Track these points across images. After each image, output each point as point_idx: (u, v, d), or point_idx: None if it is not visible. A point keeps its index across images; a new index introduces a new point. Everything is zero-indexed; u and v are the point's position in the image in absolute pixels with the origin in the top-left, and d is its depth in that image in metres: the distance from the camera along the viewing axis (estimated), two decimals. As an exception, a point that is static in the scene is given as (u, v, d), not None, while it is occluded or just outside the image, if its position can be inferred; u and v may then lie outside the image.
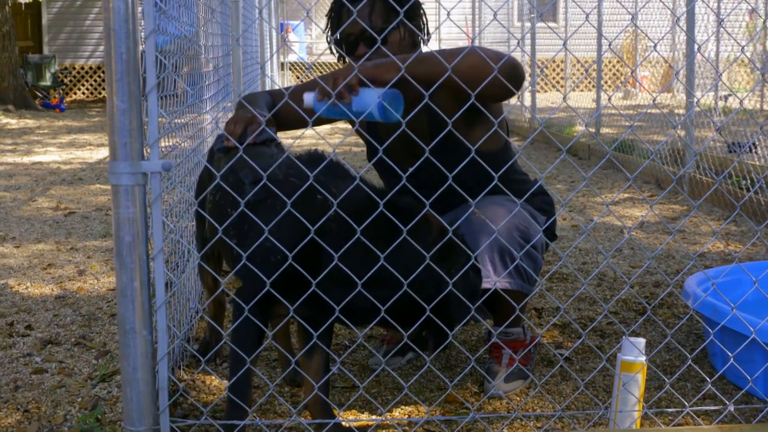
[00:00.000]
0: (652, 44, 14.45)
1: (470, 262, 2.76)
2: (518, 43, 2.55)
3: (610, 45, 2.27)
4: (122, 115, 2.28)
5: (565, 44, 2.54)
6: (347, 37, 3.34)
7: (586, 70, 2.38)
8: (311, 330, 2.81)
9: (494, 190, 3.06)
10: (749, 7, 12.78)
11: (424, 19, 3.47)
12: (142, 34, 2.35)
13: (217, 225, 2.63)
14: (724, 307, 3.32)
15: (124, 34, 2.26)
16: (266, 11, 15.46)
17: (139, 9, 2.31)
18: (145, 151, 2.33)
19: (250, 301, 2.69)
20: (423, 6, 3.45)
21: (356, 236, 2.56)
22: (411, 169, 2.77)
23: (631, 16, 2.45)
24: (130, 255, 2.34)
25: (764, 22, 12.43)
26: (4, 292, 4.93)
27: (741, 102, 2.68)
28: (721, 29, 11.76)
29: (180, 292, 3.77)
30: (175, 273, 3.79)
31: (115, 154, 2.29)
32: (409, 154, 3.41)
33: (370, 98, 2.81)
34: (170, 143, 3.53)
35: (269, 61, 14.10)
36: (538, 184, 3.68)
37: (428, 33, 3.47)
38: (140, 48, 2.32)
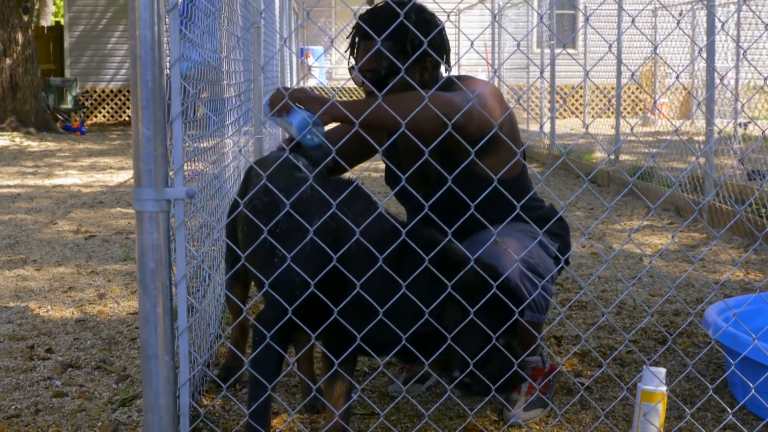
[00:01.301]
0: (672, 72, 14.44)
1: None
2: (540, 73, 2.56)
3: (633, 75, 2.26)
4: (147, 142, 2.28)
5: (586, 75, 2.55)
6: (360, 70, 3.37)
7: (609, 100, 2.39)
8: (333, 358, 2.82)
9: (509, 216, 3.06)
10: (768, 35, 12.75)
11: (446, 46, 3.44)
12: (168, 61, 2.36)
13: (239, 252, 2.65)
14: (745, 337, 3.31)
15: (150, 62, 2.27)
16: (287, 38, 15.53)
17: (165, 37, 2.33)
18: (169, 178, 2.33)
19: (271, 327, 2.70)
20: (444, 32, 3.43)
21: (378, 264, 2.57)
22: (428, 198, 2.78)
23: (653, 47, 2.46)
24: (154, 281, 2.34)
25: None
26: (25, 315, 4.95)
27: (763, 132, 2.68)
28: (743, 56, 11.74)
29: (201, 317, 3.78)
30: (195, 297, 3.80)
31: (140, 180, 2.30)
32: (422, 181, 3.45)
33: (296, 119, 3.05)
34: (193, 167, 3.55)
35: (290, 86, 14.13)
36: (552, 210, 3.67)
37: (448, 61, 3.46)
38: (165, 75, 2.33)
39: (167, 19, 2.35)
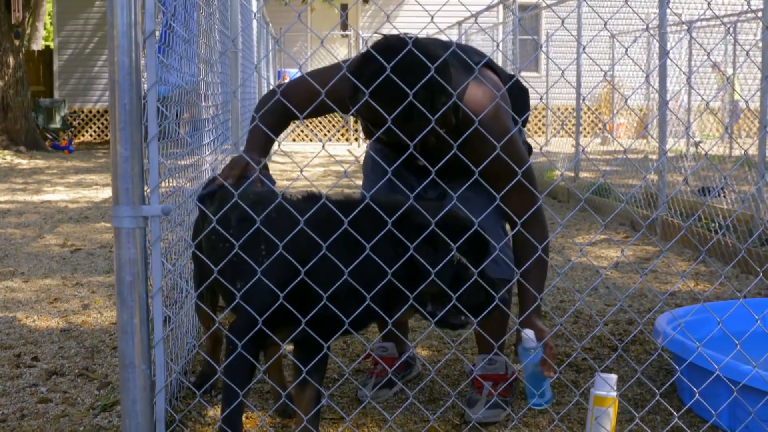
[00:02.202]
0: (629, 93, 14.53)
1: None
2: (498, 95, 2.58)
3: (584, 99, 2.30)
4: (125, 162, 2.29)
5: (545, 95, 2.58)
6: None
7: (562, 125, 2.41)
8: (302, 366, 2.83)
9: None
10: (715, 61, 12.88)
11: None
12: (145, 85, 2.37)
13: (212, 265, 2.65)
14: (692, 345, 3.34)
15: (127, 86, 2.28)
16: (264, 61, 15.54)
17: (143, 62, 2.34)
18: (146, 196, 2.34)
19: (242, 336, 2.71)
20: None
21: (342, 228, 2.58)
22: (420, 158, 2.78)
23: (603, 73, 2.49)
24: (131, 294, 2.35)
25: (732, 76, 12.54)
26: (12, 324, 4.93)
27: (705, 154, 2.72)
28: (693, 79, 11.85)
29: (178, 327, 3.77)
30: (173, 309, 3.80)
31: (118, 198, 2.31)
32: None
33: None
34: (172, 184, 3.56)
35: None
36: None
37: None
38: (142, 98, 2.34)
39: (145, 46, 2.36)
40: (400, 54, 2.83)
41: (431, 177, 2.93)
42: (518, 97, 3.57)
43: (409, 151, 2.71)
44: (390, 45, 2.93)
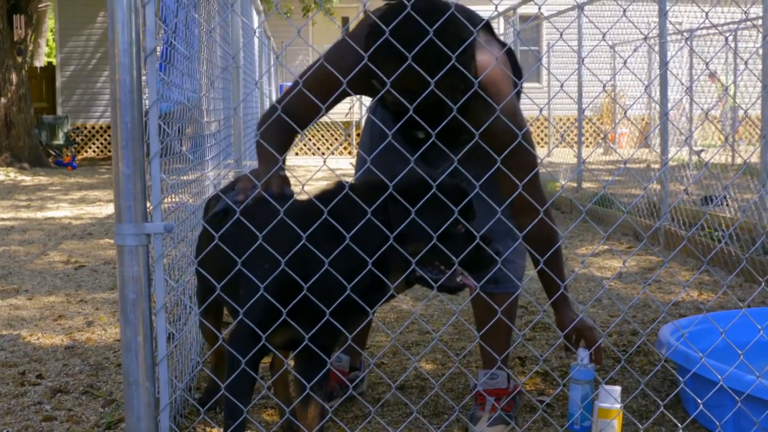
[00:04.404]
0: (629, 104, 14.53)
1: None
2: (500, 107, 2.58)
3: (583, 111, 2.29)
4: (127, 180, 2.30)
5: (547, 105, 2.58)
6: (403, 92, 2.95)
7: (562, 137, 2.42)
8: (305, 382, 2.83)
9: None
10: (715, 70, 12.89)
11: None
12: (147, 103, 2.38)
13: (215, 282, 2.65)
14: (695, 355, 3.34)
15: (129, 105, 2.29)
16: (266, 76, 15.57)
17: (144, 79, 2.35)
18: (148, 213, 2.35)
19: (241, 341, 2.72)
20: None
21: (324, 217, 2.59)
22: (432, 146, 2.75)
23: (603, 85, 2.50)
24: (134, 311, 2.35)
25: (731, 85, 12.54)
26: (17, 342, 4.93)
27: (706, 164, 2.72)
28: (693, 88, 11.86)
29: (182, 344, 3.77)
30: (177, 325, 3.80)
31: (120, 216, 2.31)
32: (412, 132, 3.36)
33: None
34: (175, 200, 3.56)
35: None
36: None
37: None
38: (144, 116, 2.35)
39: (146, 64, 2.37)
40: (423, 16, 2.80)
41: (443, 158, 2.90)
42: (514, 69, 3.50)
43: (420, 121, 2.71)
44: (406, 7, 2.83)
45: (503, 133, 3.06)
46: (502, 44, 3.43)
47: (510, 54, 3.45)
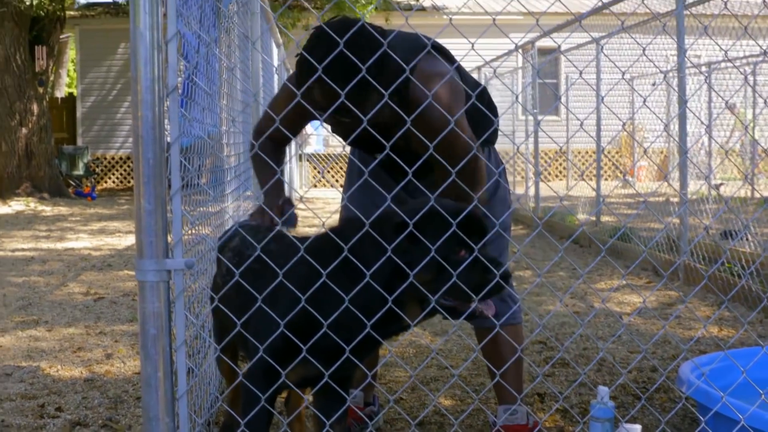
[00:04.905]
0: (648, 138, 14.53)
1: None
2: (524, 139, 2.59)
3: (603, 150, 2.29)
4: (149, 216, 2.31)
5: (567, 142, 2.58)
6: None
7: (582, 175, 2.42)
8: (324, 419, 2.83)
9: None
10: (734, 103, 12.88)
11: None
12: (168, 139, 2.39)
13: (234, 318, 2.66)
14: (716, 394, 3.31)
15: (151, 141, 2.30)
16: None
17: (166, 116, 2.36)
18: (169, 249, 2.36)
19: (256, 377, 2.72)
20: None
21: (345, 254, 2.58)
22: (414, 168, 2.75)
23: (622, 124, 2.50)
24: (155, 347, 2.36)
25: (751, 120, 12.51)
26: (36, 374, 4.95)
27: (726, 202, 2.71)
28: (713, 121, 11.83)
29: (201, 379, 3.77)
30: (195, 359, 3.80)
31: (142, 252, 2.32)
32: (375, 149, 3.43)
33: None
34: (193, 232, 3.57)
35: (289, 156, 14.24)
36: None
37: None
38: (166, 152, 2.36)
39: (167, 101, 2.39)
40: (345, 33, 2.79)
41: (409, 177, 2.89)
42: (488, 108, 3.46)
43: (363, 126, 2.80)
44: (328, 28, 2.89)
45: (442, 146, 3.00)
46: (452, 62, 3.38)
47: (459, 70, 3.42)
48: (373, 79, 2.90)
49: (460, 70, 3.43)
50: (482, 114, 3.34)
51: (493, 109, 3.51)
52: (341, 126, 3.30)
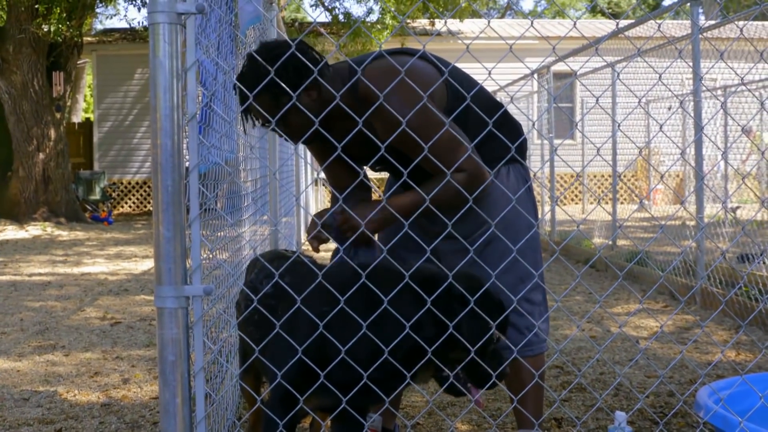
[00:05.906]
0: (664, 162, 14.50)
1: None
2: (541, 165, 2.60)
3: (619, 176, 2.30)
4: (167, 243, 2.32)
5: (581, 163, 2.59)
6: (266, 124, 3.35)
7: (599, 202, 2.43)
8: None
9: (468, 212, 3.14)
10: (748, 126, 12.86)
11: (307, 67, 3.16)
12: (187, 165, 2.41)
13: (253, 344, 2.68)
14: (734, 419, 3.30)
15: (170, 168, 2.32)
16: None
17: (185, 144, 2.38)
18: (188, 276, 2.37)
19: (276, 405, 2.74)
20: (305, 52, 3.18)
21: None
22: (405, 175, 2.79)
23: (639, 150, 2.51)
24: (173, 373, 2.37)
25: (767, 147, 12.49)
26: (53, 399, 4.96)
27: (743, 228, 2.71)
28: (728, 142, 11.81)
29: (219, 404, 3.78)
30: (213, 384, 3.80)
31: (161, 278, 2.34)
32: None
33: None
34: (211, 256, 3.59)
35: (304, 184, 14.28)
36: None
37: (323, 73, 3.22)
38: (184, 179, 2.38)
39: (186, 128, 2.41)
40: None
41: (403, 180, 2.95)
42: (505, 125, 3.46)
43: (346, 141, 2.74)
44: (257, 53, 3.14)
45: (413, 139, 2.98)
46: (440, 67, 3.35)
47: (425, 58, 3.33)
48: (298, 82, 3.10)
49: (462, 78, 3.40)
50: (492, 130, 3.30)
51: (511, 127, 3.50)
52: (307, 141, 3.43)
